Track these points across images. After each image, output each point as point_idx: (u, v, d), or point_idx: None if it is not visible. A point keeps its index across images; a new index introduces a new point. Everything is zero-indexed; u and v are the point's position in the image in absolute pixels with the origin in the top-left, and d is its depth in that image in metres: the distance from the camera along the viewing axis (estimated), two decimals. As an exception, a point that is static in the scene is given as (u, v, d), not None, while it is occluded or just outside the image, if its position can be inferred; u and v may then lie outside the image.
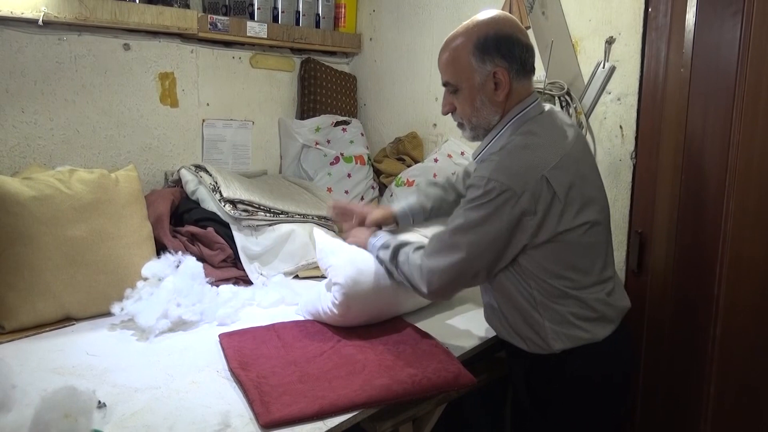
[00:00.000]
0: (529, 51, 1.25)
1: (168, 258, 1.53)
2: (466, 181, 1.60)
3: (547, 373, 1.26)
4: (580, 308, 1.23)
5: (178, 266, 1.51)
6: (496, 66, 1.22)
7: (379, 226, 1.57)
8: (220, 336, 1.36)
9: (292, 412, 1.05)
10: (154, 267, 1.50)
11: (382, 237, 1.45)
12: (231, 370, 1.21)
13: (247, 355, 1.26)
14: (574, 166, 1.22)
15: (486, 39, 1.22)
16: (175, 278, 1.47)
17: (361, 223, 1.58)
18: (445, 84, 1.30)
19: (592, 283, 1.25)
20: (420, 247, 1.33)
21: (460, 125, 1.32)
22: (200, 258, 1.67)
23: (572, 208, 1.20)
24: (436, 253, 1.25)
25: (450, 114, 1.33)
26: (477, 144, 1.35)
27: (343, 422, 1.06)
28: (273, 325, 1.44)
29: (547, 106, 1.32)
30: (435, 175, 2.23)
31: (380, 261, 1.41)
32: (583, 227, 1.21)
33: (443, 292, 1.29)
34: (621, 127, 1.80)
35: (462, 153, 2.23)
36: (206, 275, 1.58)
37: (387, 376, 1.19)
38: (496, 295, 1.29)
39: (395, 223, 1.59)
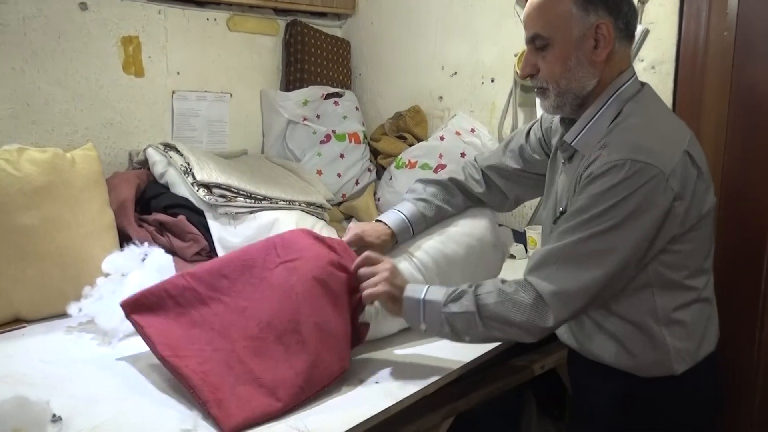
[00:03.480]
0: (634, 13, 1.20)
1: (132, 250, 1.52)
2: (498, 169, 1.52)
3: (662, 397, 1.21)
4: (704, 310, 1.21)
5: (144, 259, 1.50)
6: (600, 18, 1.15)
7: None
8: (126, 309, 1.23)
9: (257, 410, 1.06)
10: (116, 260, 1.48)
11: (430, 288, 1.22)
12: (163, 359, 1.16)
13: (175, 334, 1.19)
14: (696, 139, 1.20)
15: None
16: (141, 273, 1.46)
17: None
18: (532, 39, 1.20)
19: (708, 276, 1.23)
20: (504, 280, 1.18)
21: (542, 91, 1.23)
22: (170, 250, 1.66)
23: (711, 187, 1.18)
24: (565, 269, 1.11)
25: (528, 78, 1.24)
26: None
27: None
28: (183, 275, 1.30)
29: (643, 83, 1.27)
30: (441, 156, 2.22)
31: (447, 321, 1.18)
32: (712, 211, 1.20)
33: (568, 319, 1.15)
34: (655, 99, 1.79)
35: (472, 130, 2.22)
36: (177, 270, 1.57)
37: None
38: (600, 311, 1.22)
39: (394, 241, 1.46)
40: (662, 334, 1.17)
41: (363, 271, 1.26)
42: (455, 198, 1.53)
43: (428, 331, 1.22)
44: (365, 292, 1.23)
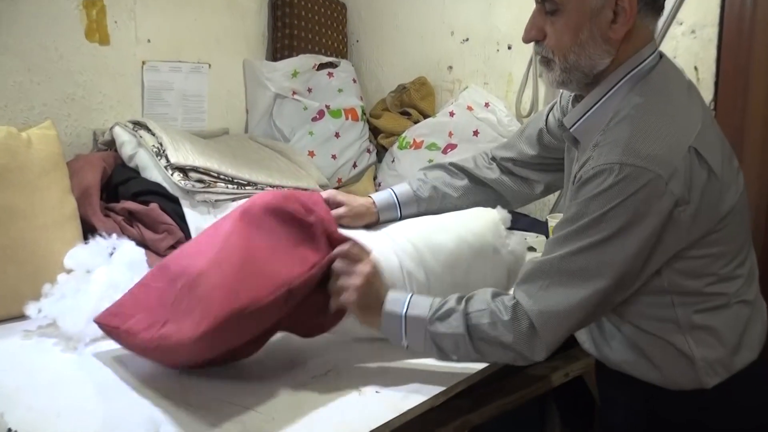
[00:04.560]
0: None
1: (98, 243, 1.51)
2: (506, 153, 1.54)
3: (695, 413, 1.21)
4: (740, 313, 1.19)
5: (112, 253, 1.51)
6: None
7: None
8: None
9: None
10: (80, 255, 1.48)
11: (413, 300, 1.22)
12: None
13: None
14: (713, 125, 1.18)
15: None
16: (109, 269, 1.47)
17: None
18: None
19: (743, 279, 1.21)
20: (497, 294, 1.19)
21: (546, 62, 1.22)
22: (141, 243, 1.66)
23: (731, 180, 1.16)
24: (554, 287, 1.13)
25: (533, 44, 1.22)
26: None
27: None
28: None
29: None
30: (451, 134, 2.22)
31: (432, 341, 1.20)
32: (741, 203, 1.18)
33: (558, 343, 1.16)
34: (696, 68, 1.79)
35: (486, 104, 2.21)
36: (150, 265, 1.57)
37: None
38: (615, 317, 1.23)
39: (376, 216, 1.49)
40: (686, 342, 1.17)
41: (337, 265, 1.24)
42: (459, 181, 1.53)
43: (410, 348, 1.23)
44: (333, 298, 1.24)
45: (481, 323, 1.16)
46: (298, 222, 1.27)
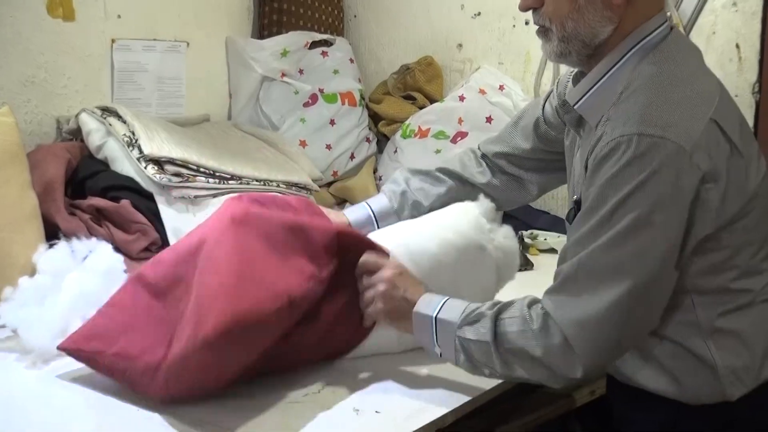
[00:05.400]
0: None
1: (74, 245, 1.49)
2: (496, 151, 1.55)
3: (718, 429, 1.22)
4: (766, 314, 1.21)
5: (86, 257, 1.49)
6: None
7: None
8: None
9: None
10: (54, 257, 1.47)
11: (447, 303, 1.23)
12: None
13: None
14: (731, 101, 1.21)
15: None
16: (80, 276, 1.45)
17: None
18: None
19: None
20: (535, 301, 1.19)
21: (544, 32, 1.25)
22: (111, 245, 1.66)
23: (753, 159, 1.18)
24: (583, 291, 1.12)
25: (531, 12, 1.25)
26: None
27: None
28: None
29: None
30: (461, 121, 2.22)
31: (462, 348, 1.20)
32: (764, 188, 1.19)
33: (606, 358, 1.17)
34: (737, 45, 1.79)
35: (501, 87, 2.21)
36: (127, 274, 1.57)
37: None
38: None
39: None
40: (707, 348, 1.18)
41: (363, 283, 1.30)
42: (443, 189, 1.55)
43: (444, 357, 1.24)
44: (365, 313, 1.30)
45: (509, 331, 1.16)
46: (290, 228, 1.29)
